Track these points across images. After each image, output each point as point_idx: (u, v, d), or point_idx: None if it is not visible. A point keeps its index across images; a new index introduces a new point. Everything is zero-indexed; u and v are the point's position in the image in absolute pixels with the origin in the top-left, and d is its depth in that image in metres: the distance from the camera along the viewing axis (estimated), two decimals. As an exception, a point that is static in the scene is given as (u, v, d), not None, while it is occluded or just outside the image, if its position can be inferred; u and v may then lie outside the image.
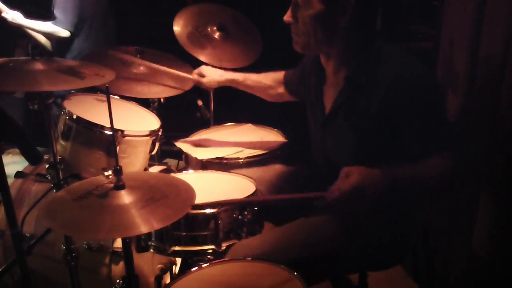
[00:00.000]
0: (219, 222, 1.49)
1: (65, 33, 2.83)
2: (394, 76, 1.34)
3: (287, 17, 1.44)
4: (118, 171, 1.20)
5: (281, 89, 1.93)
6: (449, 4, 1.94)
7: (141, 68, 2.17)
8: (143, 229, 1.13)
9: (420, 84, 1.33)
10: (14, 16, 2.76)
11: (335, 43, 1.42)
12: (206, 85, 2.02)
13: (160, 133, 1.95)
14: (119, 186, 1.20)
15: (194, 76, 2.05)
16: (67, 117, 1.79)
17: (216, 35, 2.41)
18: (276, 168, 1.85)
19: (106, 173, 1.22)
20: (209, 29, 2.41)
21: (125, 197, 1.19)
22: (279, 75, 1.93)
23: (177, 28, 2.34)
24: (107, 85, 1.23)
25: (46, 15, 2.83)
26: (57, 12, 2.81)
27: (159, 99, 2.24)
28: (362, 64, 1.41)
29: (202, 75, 2.02)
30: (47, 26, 2.81)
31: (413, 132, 1.34)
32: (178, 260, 1.93)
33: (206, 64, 2.19)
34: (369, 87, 1.38)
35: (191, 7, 2.49)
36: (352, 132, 1.44)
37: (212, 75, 2.00)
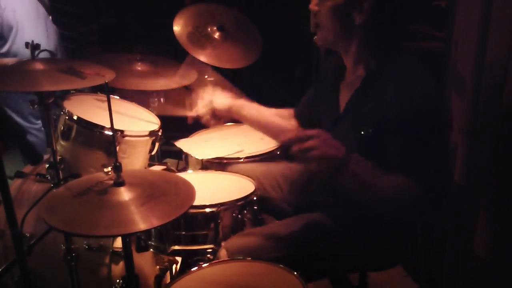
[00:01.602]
0: (219, 221, 1.49)
1: None
2: (402, 93, 1.33)
3: (313, 5, 1.45)
4: (117, 168, 1.20)
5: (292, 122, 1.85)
6: (456, 6, 1.94)
7: (140, 68, 2.17)
8: (142, 226, 1.13)
9: (425, 109, 1.32)
10: None
11: (353, 40, 1.43)
12: (217, 111, 1.80)
13: (160, 133, 1.95)
14: (119, 182, 1.20)
15: (203, 109, 1.82)
16: (67, 117, 1.79)
17: (216, 35, 2.40)
18: (280, 165, 1.85)
19: (105, 170, 1.22)
20: (209, 29, 2.40)
21: (125, 194, 1.19)
22: (288, 111, 1.85)
23: (177, 28, 2.34)
24: (106, 81, 1.23)
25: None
26: None
27: (159, 99, 2.24)
28: (376, 70, 1.40)
29: (208, 105, 1.81)
30: None
31: (399, 149, 1.33)
32: (178, 260, 1.93)
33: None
34: (379, 96, 1.38)
35: (192, 7, 2.49)
36: (356, 137, 1.44)
37: (220, 100, 1.79)
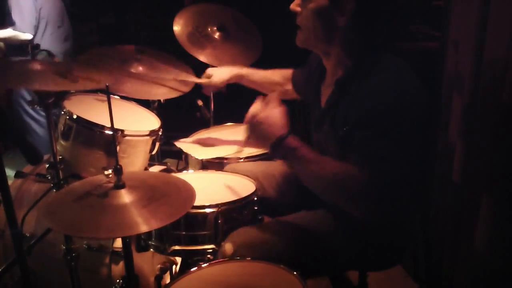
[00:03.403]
0: (219, 221, 1.49)
1: (26, 36, 2.86)
2: (373, 92, 1.31)
3: (294, 6, 1.44)
4: (118, 171, 1.20)
5: (288, 86, 1.92)
6: (454, 5, 1.94)
7: (140, 68, 2.16)
8: (144, 228, 1.13)
9: (395, 111, 1.28)
10: None
11: (334, 43, 1.42)
12: (216, 85, 2.01)
13: (160, 133, 1.95)
14: (119, 185, 1.20)
15: (203, 79, 2.04)
16: (67, 117, 1.79)
17: (216, 35, 2.40)
18: (280, 164, 1.85)
19: (106, 173, 1.22)
20: (209, 29, 2.41)
21: (126, 197, 1.19)
22: (288, 72, 1.92)
23: (177, 28, 2.34)
24: (107, 85, 1.23)
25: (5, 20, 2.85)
26: (15, 16, 2.83)
27: (159, 99, 2.23)
28: (355, 71, 1.39)
29: (209, 77, 2.01)
30: (8, 33, 2.84)
31: (360, 142, 1.31)
32: (178, 260, 1.93)
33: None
34: (353, 97, 1.36)
35: (192, 7, 2.49)
36: (336, 138, 1.43)
37: (220, 75, 2.00)
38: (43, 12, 2.93)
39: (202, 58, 2.30)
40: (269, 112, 1.39)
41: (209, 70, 2.03)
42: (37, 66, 1.50)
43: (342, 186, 1.31)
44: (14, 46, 2.92)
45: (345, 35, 1.38)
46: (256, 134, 1.41)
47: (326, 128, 1.47)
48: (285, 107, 1.40)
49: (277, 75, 1.96)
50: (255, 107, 1.40)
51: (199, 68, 2.28)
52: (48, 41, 2.97)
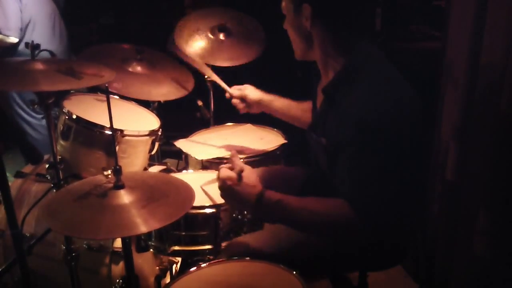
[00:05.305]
0: (219, 222, 1.49)
1: (12, 39, 2.79)
2: (356, 106, 1.28)
3: (284, 24, 1.48)
4: (117, 171, 1.20)
5: (308, 118, 1.80)
6: (451, 6, 1.94)
7: (139, 68, 2.16)
8: (143, 228, 1.13)
9: (377, 122, 1.25)
10: None
11: (314, 48, 1.42)
12: (249, 101, 1.93)
13: (159, 133, 1.95)
14: (119, 185, 1.20)
15: (237, 92, 1.94)
16: (67, 117, 1.79)
17: (216, 35, 2.39)
18: (275, 169, 1.85)
19: (105, 173, 1.22)
20: (209, 30, 2.38)
21: (125, 197, 1.19)
22: (307, 105, 1.83)
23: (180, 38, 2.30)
24: (106, 85, 1.23)
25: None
26: None
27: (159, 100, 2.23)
28: (340, 76, 1.37)
29: (243, 91, 1.93)
30: None
31: (344, 165, 1.31)
32: (178, 260, 1.93)
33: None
34: (338, 110, 1.34)
35: (191, 15, 2.46)
36: (322, 150, 1.42)
37: (253, 93, 1.92)
38: (28, 11, 2.82)
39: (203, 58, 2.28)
40: (239, 175, 1.35)
41: (244, 87, 1.94)
42: (39, 66, 1.50)
43: (336, 225, 1.31)
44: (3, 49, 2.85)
45: (319, 38, 1.38)
46: (233, 200, 1.37)
47: (315, 137, 1.47)
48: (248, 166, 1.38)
49: (296, 110, 1.88)
50: (223, 173, 1.35)
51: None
52: (38, 42, 2.90)
